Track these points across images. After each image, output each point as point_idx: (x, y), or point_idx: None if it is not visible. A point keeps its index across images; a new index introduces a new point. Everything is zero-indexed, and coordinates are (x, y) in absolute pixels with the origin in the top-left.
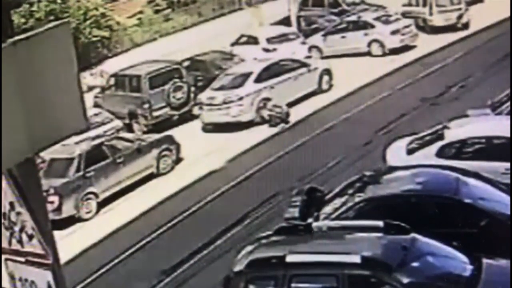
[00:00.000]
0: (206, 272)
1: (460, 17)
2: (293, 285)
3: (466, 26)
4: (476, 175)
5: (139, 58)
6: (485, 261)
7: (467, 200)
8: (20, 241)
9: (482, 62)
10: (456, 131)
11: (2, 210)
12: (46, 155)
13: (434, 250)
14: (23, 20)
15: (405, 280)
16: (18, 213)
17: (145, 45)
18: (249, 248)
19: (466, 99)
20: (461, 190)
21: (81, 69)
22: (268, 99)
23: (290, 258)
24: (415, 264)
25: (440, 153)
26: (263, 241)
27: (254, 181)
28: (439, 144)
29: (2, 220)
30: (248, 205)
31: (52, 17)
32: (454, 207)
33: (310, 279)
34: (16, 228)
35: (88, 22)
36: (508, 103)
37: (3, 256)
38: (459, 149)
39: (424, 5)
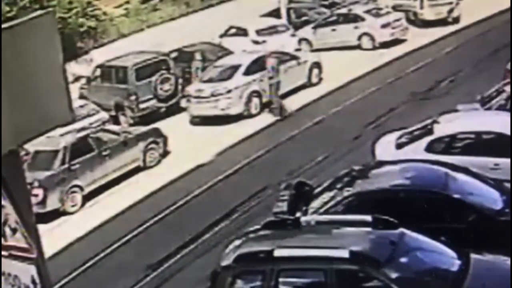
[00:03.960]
0: (193, 267)
1: (450, 11)
2: (281, 279)
3: (456, 20)
4: (465, 170)
5: (125, 49)
6: (473, 256)
7: (455, 195)
8: (3, 235)
9: (472, 57)
10: (446, 126)
11: None
12: (31, 147)
13: (423, 245)
14: (7, 8)
15: (393, 275)
16: (1, 206)
17: (132, 36)
18: (237, 242)
19: (456, 93)
20: (450, 185)
21: (66, 60)
22: (257, 92)
23: (278, 253)
24: (403, 259)
25: (429, 148)
26: (251, 235)
27: (242, 175)
28: (429, 138)
29: None
30: (236, 199)
31: (37, 6)
32: (442, 202)
33: (298, 273)
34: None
35: (74, 11)
36: (498, 98)
37: None
38: (448, 144)
39: None
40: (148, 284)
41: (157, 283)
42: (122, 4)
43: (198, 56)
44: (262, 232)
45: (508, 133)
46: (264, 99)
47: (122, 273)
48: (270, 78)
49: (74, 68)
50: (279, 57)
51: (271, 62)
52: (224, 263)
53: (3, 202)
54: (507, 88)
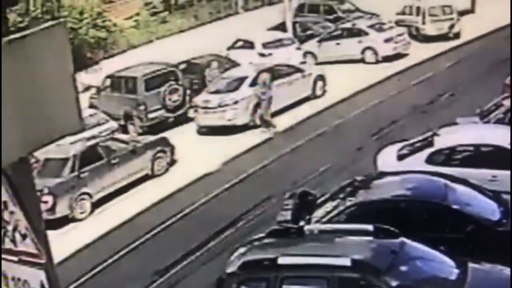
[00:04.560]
0: (199, 273)
1: (451, 27)
2: (284, 286)
3: (457, 36)
4: (464, 182)
5: (135, 60)
6: (470, 265)
7: (454, 206)
8: (13, 240)
9: (472, 72)
10: (446, 139)
11: None
12: (41, 154)
13: (422, 254)
14: (19, 18)
15: (394, 283)
16: (12, 212)
17: (142, 47)
18: (242, 250)
19: (456, 107)
20: (449, 196)
21: (76, 70)
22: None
23: (282, 260)
24: (403, 267)
25: (429, 160)
26: (256, 243)
27: (247, 184)
28: (429, 150)
29: None
30: (241, 207)
31: (48, 17)
32: (442, 213)
33: (301, 281)
34: (10, 227)
35: (84, 22)
36: (496, 112)
37: None
38: (448, 156)
39: (417, 14)
40: None
41: None
42: (132, 16)
43: (214, 64)
44: (266, 240)
45: (506, 146)
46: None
47: (130, 279)
48: (263, 93)
49: (84, 78)
50: (278, 70)
51: (263, 77)
52: (229, 270)
53: (13, 208)
54: (506, 102)
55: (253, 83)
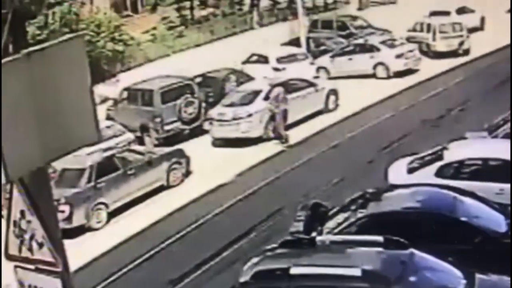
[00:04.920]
0: (213, 283)
1: (461, 43)
2: None
3: (466, 52)
4: (472, 195)
5: (152, 73)
6: (478, 276)
7: (463, 218)
8: (30, 249)
9: (480, 87)
10: (455, 152)
11: (13, 218)
12: (58, 165)
13: (431, 265)
14: (38, 31)
15: None
16: (29, 221)
17: (158, 61)
18: (255, 260)
19: (465, 122)
20: (457, 209)
21: (94, 82)
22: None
23: (294, 270)
24: (412, 278)
25: (439, 173)
26: (269, 253)
27: (261, 195)
28: (438, 164)
29: (13, 228)
30: (255, 218)
31: (66, 29)
32: (450, 224)
33: None
34: (27, 236)
35: (102, 35)
36: (504, 127)
37: (13, 263)
38: (457, 170)
39: (428, 31)
40: None
41: None
42: (149, 30)
43: (233, 77)
44: (279, 251)
45: None
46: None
47: None
48: (276, 107)
49: (101, 90)
50: (292, 84)
51: (276, 91)
52: (243, 279)
53: (30, 218)
54: None
55: (267, 97)
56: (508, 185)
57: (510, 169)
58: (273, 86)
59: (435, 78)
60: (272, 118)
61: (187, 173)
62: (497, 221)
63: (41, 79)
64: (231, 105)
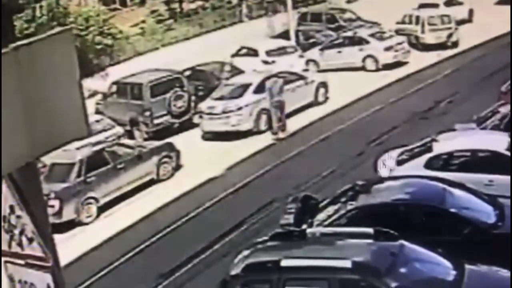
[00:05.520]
0: (203, 276)
1: (450, 36)
2: None
3: (455, 44)
4: (461, 186)
5: (141, 67)
6: (467, 266)
7: (452, 210)
8: (20, 244)
9: (469, 79)
10: (444, 144)
11: (2, 213)
12: (48, 159)
13: (421, 256)
14: (25, 25)
15: (393, 284)
16: (18, 216)
17: (147, 54)
18: (246, 252)
19: (454, 114)
20: (447, 200)
21: (83, 76)
22: (266, 110)
23: (284, 263)
24: (402, 269)
25: (428, 165)
26: (259, 246)
27: (251, 188)
28: (428, 156)
29: (2, 223)
30: (245, 211)
31: (54, 23)
32: (440, 216)
33: (303, 283)
34: (16, 231)
35: (91, 29)
36: (492, 118)
37: (3, 259)
38: (446, 161)
39: (417, 23)
40: None
41: None
42: (138, 24)
43: (227, 67)
44: (269, 243)
45: (502, 151)
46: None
47: (135, 282)
48: (271, 96)
49: (90, 84)
50: (281, 77)
51: (270, 82)
52: (233, 272)
53: (20, 213)
54: (502, 109)
55: (257, 90)
56: (497, 176)
57: (511, 162)
58: (269, 76)
59: (424, 70)
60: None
61: (177, 167)
62: (486, 212)
63: (29, 73)
64: (221, 98)
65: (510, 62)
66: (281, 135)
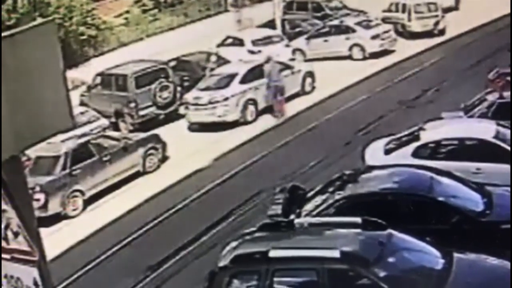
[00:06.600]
0: (191, 268)
1: (437, 23)
2: (275, 279)
3: (442, 32)
4: (449, 175)
5: (125, 58)
6: (455, 255)
7: (440, 198)
8: (5, 238)
9: (456, 67)
10: (431, 133)
11: None
12: (32, 152)
13: (409, 245)
14: (6, 16)
15: (382, 274)
16: (3, 211)
17: (132, 45)
18: (234, 244)
19: (441, 102)
20: (434, 189)
21: (67, 67)
22: (252, 100)
23: (273, 253)
24: (391, 258)
25: (415, 154)
26: (247, 237)
27: (238, 179)
28: (415, 145)
29: None
30: (233, 202)
31: (36, 13)
32: (428, 205)
33: (292, 273)
34: (1, 226)
35: (74, 20)
36: (480, 107)
37: None
38: (433, 150)
39: (403, 11)
40: (148, 285)
41: (157, 284)
42: (122, 14)
43: (213, 58)
44: (257, 234)
45: (489, 139)
46: (260, 106)
47: (123, 275)
48: (269, 81)
49: (74, 75)
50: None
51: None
52: (221, 263)
53: (5, 207)
54: (489, 97)
55: (243, 80)
56: (485, 164)
57: (511, 155)
58: (267, 61)
59: (411, 58)
60: (252, 101)
61: (164, 159)
62: (474, 201)
63: (12, 65)
64: (207, 89)
65: (510, 54)
66: (281, 118)
